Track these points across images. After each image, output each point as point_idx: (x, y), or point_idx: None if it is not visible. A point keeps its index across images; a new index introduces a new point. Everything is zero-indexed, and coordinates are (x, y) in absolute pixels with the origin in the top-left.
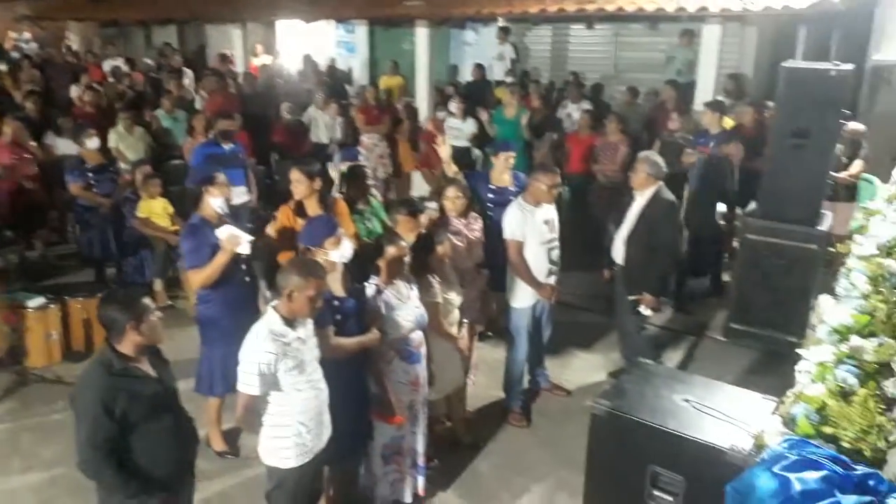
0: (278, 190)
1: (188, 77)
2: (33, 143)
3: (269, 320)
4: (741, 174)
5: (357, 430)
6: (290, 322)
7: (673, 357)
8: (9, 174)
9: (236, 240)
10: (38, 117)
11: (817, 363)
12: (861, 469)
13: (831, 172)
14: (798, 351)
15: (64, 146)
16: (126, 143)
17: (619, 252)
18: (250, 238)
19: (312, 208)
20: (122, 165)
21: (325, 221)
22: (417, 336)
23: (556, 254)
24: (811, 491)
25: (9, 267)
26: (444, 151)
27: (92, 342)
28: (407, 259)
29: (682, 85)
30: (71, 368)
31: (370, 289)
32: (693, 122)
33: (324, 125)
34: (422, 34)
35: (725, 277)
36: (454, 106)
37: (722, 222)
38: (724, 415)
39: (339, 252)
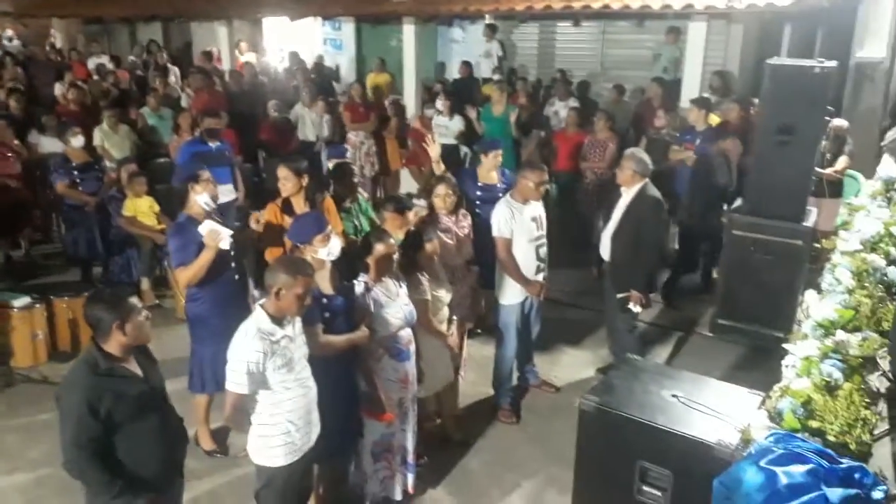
0: (265, 188)
1: (174, 74)
2: (17, 142)
3: (258, 318)
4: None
5: (347, 428)
6: (279, 320)
7: (661, 353)
8: None
9: (217, 234)
10: (21, 115)
11: (803, 358)
12: (846, 462)
13: (816, 168)
14: (784, 346)
15: (48, 144)
16: (111, 141)
17: (605, 248)
18: (230, 232)
19: (300, 206)
20: (108, 164)
21: (314, 219)
22: (407, 333)
23: (544, 251)
24: (797, 484)
25: None
26: (434, 150)
27: (78, 342)
28: (396, 256)
29: (669, 82)
30: (57, 368)
31: (359, 286)
32: (679, 119)
33: (311, 123)
34: (409, 31)
35: (715, 274)
36: (441, 103)
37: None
38: (712, 410)
39: (328, 249)
